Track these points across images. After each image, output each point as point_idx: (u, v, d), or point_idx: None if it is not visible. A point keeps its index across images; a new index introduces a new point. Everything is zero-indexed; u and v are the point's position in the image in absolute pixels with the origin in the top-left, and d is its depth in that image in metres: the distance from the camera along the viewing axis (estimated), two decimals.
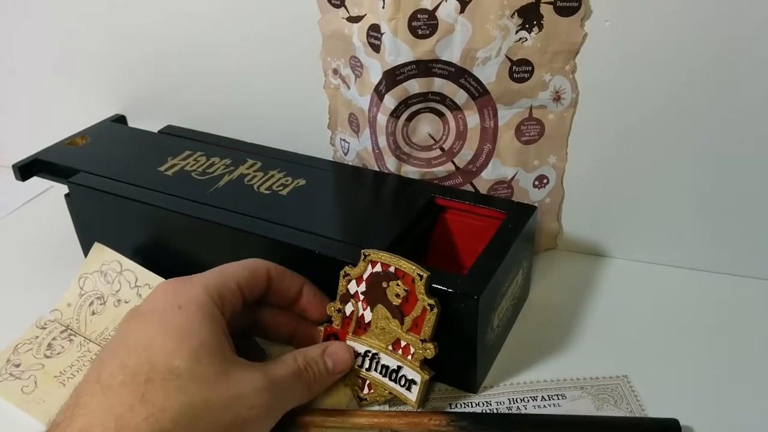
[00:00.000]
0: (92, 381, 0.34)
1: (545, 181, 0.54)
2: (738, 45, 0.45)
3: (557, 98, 0.50)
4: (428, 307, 0.40)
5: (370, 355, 0.42)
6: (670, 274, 0.55)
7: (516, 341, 0.49)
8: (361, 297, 0.42)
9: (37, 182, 0.61)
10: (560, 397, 0.44)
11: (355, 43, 0.52)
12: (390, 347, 0.41)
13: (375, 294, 0.41)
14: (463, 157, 0.53)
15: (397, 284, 0.40)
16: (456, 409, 0.43)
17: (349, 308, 0.43)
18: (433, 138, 0.52)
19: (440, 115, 0.51)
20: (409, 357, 0.41)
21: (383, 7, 0.47)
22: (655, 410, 0.42)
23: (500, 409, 0.43)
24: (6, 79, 0.72)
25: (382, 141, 0.53)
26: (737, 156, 0.49)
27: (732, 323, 0.49)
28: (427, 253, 0.51)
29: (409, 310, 0.40)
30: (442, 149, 0.53)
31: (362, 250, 0.41)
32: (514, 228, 0.46)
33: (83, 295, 0.51)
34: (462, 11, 0.47)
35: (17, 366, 0.47)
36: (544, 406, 0.43)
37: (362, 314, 0.42)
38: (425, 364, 0.41)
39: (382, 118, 0.52)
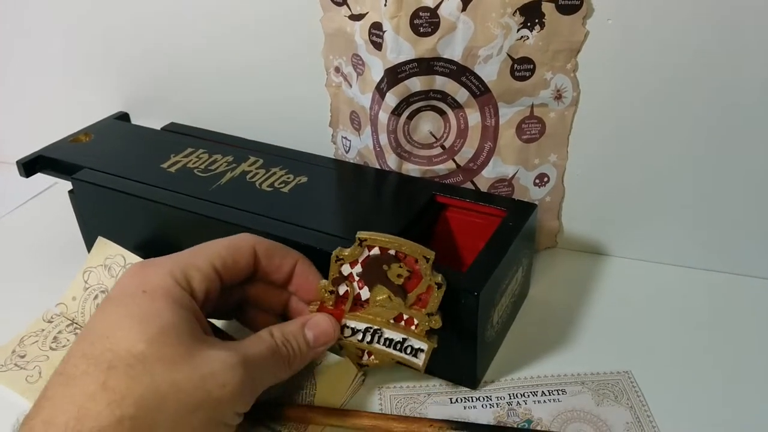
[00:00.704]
0: (58, 373, 0.34)
1: (546, 179, 0.54)
2: (741, 44, 0.45)
3: (558, 97, 0.50)
4: (436, 286, 0.39)
5: (371, 330, 0.42)
6: (670, 273, 0.55)
7: (516, 338, 0.49)
8: (357, 278, 0.41)
9: (40, 179, 0.61)
10: (560, 392, 0.44)
11: (356, 41, 0.52)
12: (392, 321, 0.41)
13: (373, 276, 0.41)
14: (464, 155, 0.53)
15: (399, 266, 0.40)
16: (456, 405, 0.44)
17: (342, 289, 0.42)
18: (434, 136, 0.53)
19: (441, 113, 0.52)
20: (413, 328, 0.41)
21: (385, 5, 0.48)
22: (657, 406, 0.42)
23: (500, 405, 0.43)
24: (10, 76, 0.73)
25: (384, 139, 0.53)
26: (738, 155, 0.49)
27: (732, 321, 0.50)
28: None
29: (413, 287, 0.40)
30: (443, 147, 0.53)
31: (357, 234, 0.40)
32: (515, 226, 0.47)
33: (88, 288, 0.52)
34: (464, 9, 0.47)
35: (22, 357, 0.48)
36: (545, 401, 0.43)
37: (358, 293, 0.41)
38: (431, 333, 0.41)
39: (383, 116, 0.52)
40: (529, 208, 0.49)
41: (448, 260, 0.52)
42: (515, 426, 0.42)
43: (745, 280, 0.54)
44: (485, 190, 0.54)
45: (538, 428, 0.42)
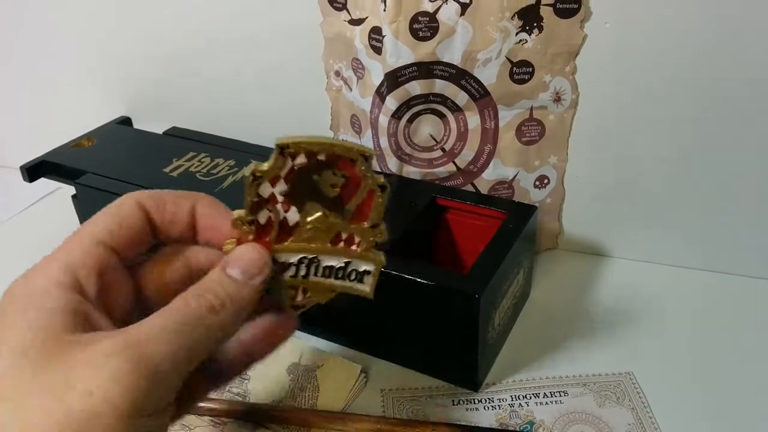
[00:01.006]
0: None
1: (546, 181, 0.54)
2: (740, 44, 0.45)
3: (557, 99, 0.50)
4: (378, 189, 0.32)
5: (306, 261, 0.33)
6: (671, 274, 0.55)
7: (517, 340, 0.49)
8: (280, 198, 0.32)
9: (43, 184, 0.62)
10: (562, 394, 0.44)
11: (356, 45, 0.52)
12: (329, 244, 0.33)
13: (301, 192, 0.32)
14: (464, 158, 0.53)
15: (333, 173, 0.32)
16: (458, 407, 0.44)
17: (264, 216, 0.32)
18: (434, 139, 0.53)
19: (441, 116, 0.52)
20: (355, 248, 0.33)
21: (384, 10, 0.48)
22: (659, 407, 0.43)
23: (503, 407, 0.44)
24: (11, 81, 0.73)
25: (384, 142, 0.54)
26: (738, 156, 0.50)
27: (734, 322, 0.50)
28: (430, 252, 0.52)
29: (350, 196, 0.33)
30: (443, 150, 0.53)
31: (276, 141, 0.31)
32: (515, 228, 0.47)
33: None
34: (462, 14, 0.47)
35: None
36: (547, 402, 0.44)
37: (284, 218, 0.33)
38: (377, 249, 0.34)
39: (383, 120, 0.52)
40: (529, 209, 0.49)
41: (449, 263, 0.52)
42: (517, 429, 0.42)
43: (746, 281, 0.54)
44: (486, 193, 0.54)
45: (540, 431, 0.42)
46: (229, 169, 0.56)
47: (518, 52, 0.48)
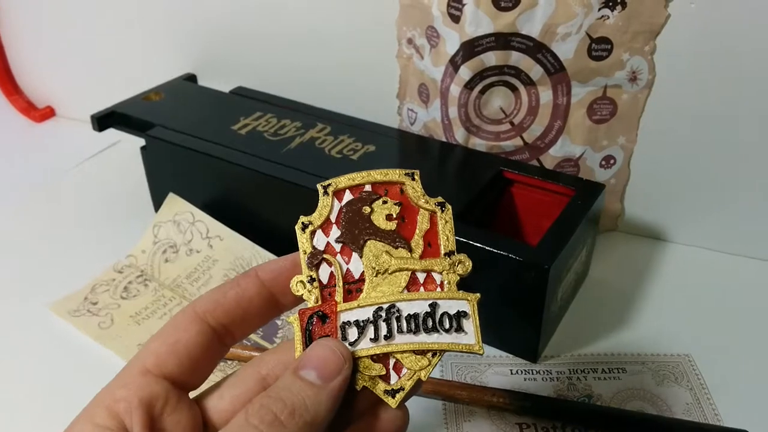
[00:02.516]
0: None
1: (612, 161, 0.54)
2: None
3: (633, 78, 0.50)
4: (438, 208, 0.29)
5: (383, 314, 0.28)
6: (730, 262, 0.55)
7: (575, 316, 0.50)
8: (337, 247, 0.29)
9: (105, 137, 0.63)
10: (620, 371, 0.44)
11: (433, 12, 0.52)
12: (405, 291, 0.28)
13: (358, 231, 0.29)
14: (533, 133, 0.53)
15: (384, 202, 0.29)
16: (516, 377, 0.44)
17: (324, 271, 0.29)
18: (504, 112, 0.53)
19: (513, 89, 0.52)
20: (438, 289, 0.28)
21: None
22: (716, 390, 0.43)
23: (561, 379, 0.44)
24: (77, 36, 0.74)
25: (453, 112, 0.54)
26: None
27: None
28: (492, 225, 0.52)
29: (412, 229, 0.29)
30: (512, 123, 0.53)
31: (318, 184, 0.30)
32: (583, 205, 0.47)
33: (157, 242, 0.53)
34: None
35: (94, 304, 0.50)
36: (604, 378, 0.44)
37: (347, 269, 0.29)
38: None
39: (455, 89, 0.52)
40: (597, 188, 0.49)
41: (511, 236, 0.52)
42: (575, 400, 0.43)
43: None
44: (551, 169, 0.54)
45: (599, 404, 0.42)
46: (296, 131, 0.56)
47: (599, 28, 0.48)
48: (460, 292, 0.28)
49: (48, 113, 0.81)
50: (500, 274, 0.43)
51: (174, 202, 0.54)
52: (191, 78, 0.68)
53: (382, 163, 0.52)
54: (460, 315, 0.28)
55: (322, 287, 0.28)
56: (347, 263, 0.29)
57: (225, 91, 0.64)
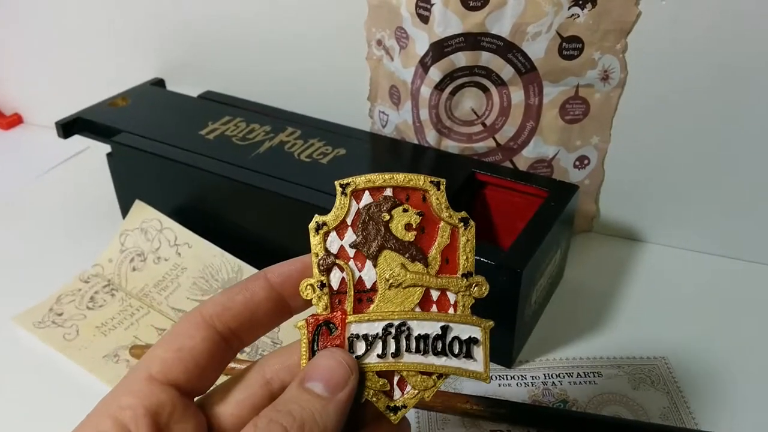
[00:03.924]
0: None
1: (586, 161, 0.54)
2: None
3: (605, 78, 0.49)
4: (460, 224, 0.27)
5: (393, 331, 0.27)
6: (706, 262, 0.54)
7: (551, 319, 0.49)
8: (351, 253, 0.28)
9: (73, 143, 0.61)
10: (596, 375, 0.44)
11: (402, 13, 0.51)
12: (418, 309, 0.27)
13: (373, 238, 0.27)
14: (505, 134, 0.53)
15: (404, 210, 0.27)
16: (491, 383, 0.43)
17: (336, 277, 0.27)
18: (475, 113, 0.52)
19: (484, 90, 0.51)
20: (451, 310, 0.27)
21: None
22: (692, 394, 0.42)
23: (536, 384, 0.43)
24: (43, 41, 0.73)
25: (424, 114, 0.53)
26: None
27: None
28: None
29: (430, 241, 0.27)
30: (484, 125, 0.53)
31: (336, 182, 0.28)
32: (557, 206, 0.46)
33: (124, 251, 0.52)
34: None
35: (60, 315, 0.48)
36: (580, 383, 0.43)
37: (359, 277, 0.27)
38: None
39: (426, 91, 0.52)
40: (570, 189, 0.48)
41: (485, 239, 0.52)
42: (550, 406, 0.42)
43: None
44: (524, 170, 0.54)
45: (574, 409, 0.42)
46: (265, 135, 0.55)
47: (569, 27, 0.47)
48: (474, 317, 0.27)
49: (16, 120, 0.80)
50: None
51: (141, 210, 0.53)
52: (160, 83, 0.67)
53: (352, 167, 0.51)
54: (471, 341, 0.27)
55: (332, 293, 0.27)
56: (360, 270, 0.27)
57: (193, 96, 0.63)
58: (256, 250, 0.51)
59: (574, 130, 0.52)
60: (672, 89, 0.49)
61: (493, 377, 0.44)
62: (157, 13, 0.65)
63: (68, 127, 0.58)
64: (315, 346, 0.27)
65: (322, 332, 0.27)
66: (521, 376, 0.44)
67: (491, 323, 0.27)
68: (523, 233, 0.44)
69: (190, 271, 0.51)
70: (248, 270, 0.50)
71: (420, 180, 0.27)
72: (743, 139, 0.49)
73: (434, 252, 0.27)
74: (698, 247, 0.55)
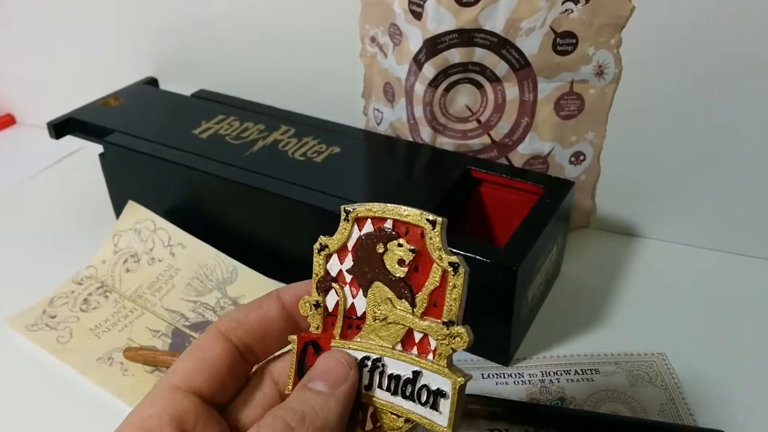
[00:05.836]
0: None
1: (582, 157, 0.53)
2: None
3: (600, 73, 0.49)
4: (450, 269, 0.26)
5: (369, 364, 0.27)
6: (706, 257, 0.54)
7: (548, 316, 0.49)
8: (348, 277, 0.28)
9: (66, 143, 0.61)
10: (594, 372, 0.43)
11: (395, 10, 0.51)
12: (399, 347, 0.27)
13: (368, 268, 0.27)
14: (500, 131, 0.52)
15: (399, 245, 0.27)
16: (487, 381, 0.43)
17: (331, 299, 0.28)
18: (470, 110, 0.52)
19: (479, 86, 0.51)
20: (430, 356, 0.27)
21: None
22: (691, 389, 0.42)
23: (533, 382, 0.43)
24: (35, 40, 0.72)
25: (419, 111, 0.53)
26: None
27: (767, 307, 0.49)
28: (461, 225, 0.51)
29: (422, 280, 0.27)
30: (478, 121, 0.52)
31: (342, 206, 0.28)
32: (552, 203, 0.46)
33: (117, 252, 0.52)
34: None
35: (53, 317, 0.48)
36: (578, 380, 0.43)
37: (351, 303, 0.28)
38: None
39: (419, 88, 0.51)
40: (566, 185, 0.48)
41: (480, 236, 0.51)
42: (548, 404, 0.42)
43: None
44: (519, 167, 0.53)
45: (572, 407, 0.41)
46: (258, 133, 0.55)
47: (563, 22, 0.47)
48: (447, 369, 0.26)
49: (8, 121, 0.79)
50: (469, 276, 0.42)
51: (134, 210, 0.53)
52: (153, 82, 0.66)
53: (346, 165, 0.51)
54: (439, 393, 0.26)
55: (327, 314, 0.28)
56: (354, 297, 0.28)
57: (186, 95, 0.63)
58: (251, 250, 0.50)
59: (569, 126, 0.52)
60: (667, 84, 0.49)
61: (490, 375, 0.44)
62: (149, 12, 0.65)
63: (60, 128, 0.58)
64: (302, 364, 0.28)
65: (308, 352, 0.28)
66: (518, 374, 0.44)
67: (463, 380, 0.26)
68: (518, 230, 0.43)
69: (185, 272, 0.50)
70: (243, 270, 0.50)
71: (416, 216, 0.26)
72: (739, 133, 0.49)
73: (422, 293, 0.27)
74: (696, 242, 0.55)
